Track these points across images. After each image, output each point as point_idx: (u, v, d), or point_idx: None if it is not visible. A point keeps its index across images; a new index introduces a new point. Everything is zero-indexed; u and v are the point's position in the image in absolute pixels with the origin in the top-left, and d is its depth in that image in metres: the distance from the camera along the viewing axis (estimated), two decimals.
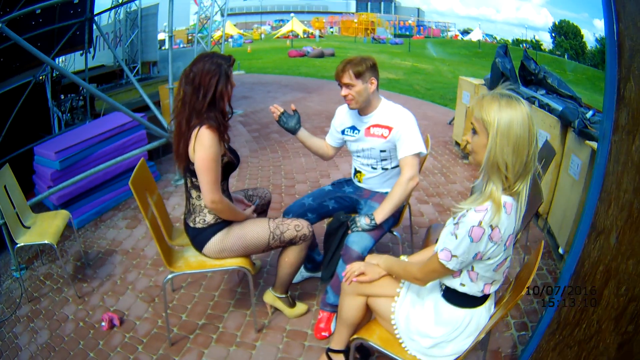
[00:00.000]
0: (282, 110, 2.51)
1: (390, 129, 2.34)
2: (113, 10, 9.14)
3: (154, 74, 9.86)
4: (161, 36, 12.59)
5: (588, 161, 2.92)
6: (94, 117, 6.68)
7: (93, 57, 7.82)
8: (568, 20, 41.32)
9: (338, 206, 2.54)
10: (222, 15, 10.20)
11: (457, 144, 5.89)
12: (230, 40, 30.14)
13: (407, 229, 3.31)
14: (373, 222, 2.18)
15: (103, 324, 2.58)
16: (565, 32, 40.15)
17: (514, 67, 4.64)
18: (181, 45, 23.48)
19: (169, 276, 2.24)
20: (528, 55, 4.67)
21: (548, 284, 2.93)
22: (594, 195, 1.75)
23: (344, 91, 2.28)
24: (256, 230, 2.17)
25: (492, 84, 4.70)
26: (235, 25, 41.13)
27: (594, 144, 2.84)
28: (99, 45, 8.39)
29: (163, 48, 11.00)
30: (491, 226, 1.41)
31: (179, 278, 2.97)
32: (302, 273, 2.86)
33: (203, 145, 1.92)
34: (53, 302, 2.88)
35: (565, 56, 37.60)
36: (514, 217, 1.47)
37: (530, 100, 4.10)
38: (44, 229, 2.91)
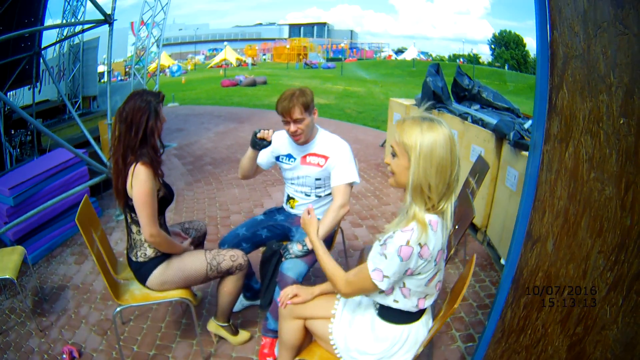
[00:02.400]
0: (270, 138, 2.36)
1: (326, 158, 2.38)
2: (58, 44, 8.98)
3: (94, 109, 9.66)
4: (101, 68, 12.41)
5: (525, 172, 2.96)
6: (41, 152, 6.64)
7: (39, 91, 7.84)
8: (509, 30, 42.56)
9: (271, 234, 2.55)
10: (158, 46, 9.97)
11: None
12: (167, 70, 30.33)
13: (342, 252, 3.33)
14: (305, 247, 2.20)
15: (64, 356, 2.60)
16: (506, 43, 41.26)
17: (446, 85, 4.69)
18: (119, 78, 23.01)
19: (117, 309, 2.28)
20: (461, 71, 4.73)
21: (492, 294, 2.97)
22: (528, 204, 1.77)
23: (293, 127, 2.26)
24: (194, 262, 2.25)
25: (422, 104, 4.73)
26: (170, 55, 41.04)
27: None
28: (45, 80, 8.39)
29: (103, 81, 10.75)
30: (419, 244, 1.42)
31: (128, 310, 3.02)
32: (242, 302, 2.85)
33: (139, 181, 2.00)
34: (19, 335, 2.89)
35: (506, 67, 38.82)
36: (440, 233, 1.49)
37: (463, 116, 4.19)
38: (4, 264, 2.92)
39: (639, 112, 1.09)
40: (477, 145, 3.83)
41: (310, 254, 2.22)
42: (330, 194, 2.45)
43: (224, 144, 8.11)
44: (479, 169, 3.12)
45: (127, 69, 23.01)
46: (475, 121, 4.00)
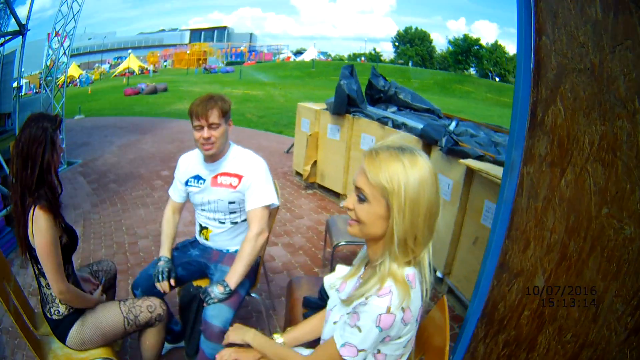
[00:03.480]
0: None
1: (240, 177, 2.12)
2: None
3: (8, 127, 8.53)
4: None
5: (462, 180, 2.89)
6: None
7: None
8: (415, 26, 43.24)
9: (186, 273, 2.26)
10: (68, 56, 9.03)
11: (298, 174, 5.57)
12: (77, 81, 29.63)
13: (262, 277, 2.99)
14: (227, 289, 1.97)
15: None
16: (410, 39, 41.72)
17: (360, 87, 4.44)
18: (34, 92, 22.27)
19: None
20: (376, 72, 4.63)
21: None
22: (501, 232, 1.60)
23: (207, 133, 2.00)
24: (110, 318, 2.05)
25: (337, 108, 4.41)
26: (79, 65, 39.33)
27: (470, 162, 2.79)
28: None
29: (22, 95, 9.58)
30: (402, 308, 1.11)
31: None
32: (165, 345, 2.46)
33: (40, 231, 1.77)
34: None
35: (410, 63, 39.69)
36: (419, 287, 1.17)
37: (382, 121, 4.03)
38: None
39: None
40: None
41: (233, 295, 1.99)
42: (244, 222, 2.20)
43: (126, 158, 7.75)
44: None
45: (41, 82, 22.27)
46: (397, 126, 3.86)
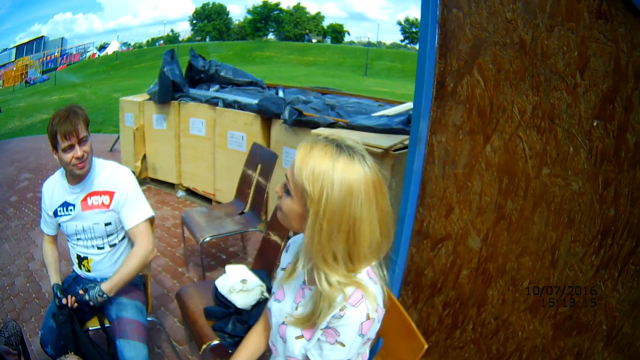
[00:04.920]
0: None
1: (111, 194, 1.91)
2: None
3: None
4: None
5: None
6: None
7: None
8: (212, 1, 41.95)
9: (82, 314, 1.95)
10: None
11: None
12: None
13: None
14: (105, 295, 1.79)
15: None
16: (207, 15, 41.05)
17: (182, 72, 4.27)
18: None
19: None
20: (195, 53, 4.47)
21: None
22: (413, 202, 1.66)
23: (80, 150, 1.76)
24: None
25: (162, 97, 4.16)
26: None
27: (323, 132, 2.63)
28: None
29: None
30: (376, 309, 1.01)
31: None
32: None
33: None
34: None
35: (207, 39, 38.88)
36: (378, 280, 1.05)
37: (212, 102, 3.86)
38: None
39: (620, 118, 1.08)
40: (236, 131, 3.55)
41: (138, 326, 1.85)
42: (125, 237, 1.97)
43: None
44: (262, 159, 2.85)
45: None
46: (229, 104, 3.71)
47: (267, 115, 3.25)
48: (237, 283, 2.03)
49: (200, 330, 1.88)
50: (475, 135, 1.39)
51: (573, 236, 1.21)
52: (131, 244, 1.92)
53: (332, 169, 0.90)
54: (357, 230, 0.93)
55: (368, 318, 0.98)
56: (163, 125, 4.30)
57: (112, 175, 1.92)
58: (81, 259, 1.99)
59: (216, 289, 2.06)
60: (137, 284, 1.99)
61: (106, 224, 1.91)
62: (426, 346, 1.15)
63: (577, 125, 1.14)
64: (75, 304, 1.79)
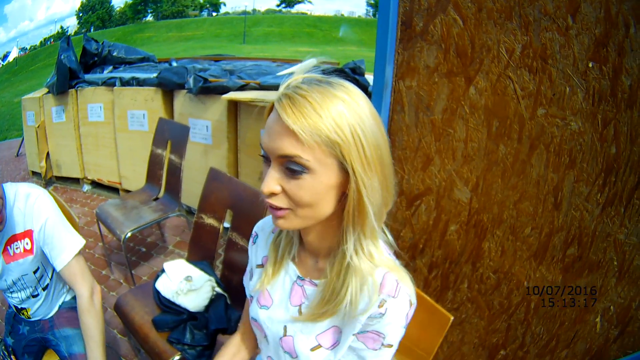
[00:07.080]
0: None
1: (29, 234, 1.56)
2: None
3: None
4: None
5: (225, 118, 2.73)
6: None
7: None
8: None
9: (33, 357, 1.78)
10: None
11: (36, 173, 4.71)
12: None
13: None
14: None
15: None
16: (92, 7, 40.30)
17: (77, 58, 3.95)
18: None
19: None
20: (88, 37, 4.25)
21: None
22: None
23: None
24: None
25: (60, 87, 3.80)
26: None
27: (234, 96, 2.61)
28: None
29: None
30: (415, 291, 0.83)
31: None
32: None
33: None
34: None
35: (91, 29, 37.84)
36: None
37: (108, 83, 3.56)
38: None
39: (614, 62, 1.05)
40: (136, 110, 3.24)
41: None
42: (54, 272, 1.67)
43: None
44: (171, 135, 2.55)
45: None
46: (126, 83, 3.42)
47: (168, 88, 2.98)
48: (182, 282, 1.76)
49: (155, 347, 1.63)
50: (455, 77, 1.25)
51: (576, 176, 1.15)
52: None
53: (343, 103, 0.68)
54: (387, 170, 0.74)
55: (410, 305, 0.80)
56: (62, 117, 3.98)
57: (25, 208, 1.54)
58: (19, 310, 1.73)
59: (158, 293, 1.78)
60: (74, 307, 1.68)
61: (34, 271, 1.61)
62: (452, 318, 1.04)
63: (572, 66, 1.09)
64: None
